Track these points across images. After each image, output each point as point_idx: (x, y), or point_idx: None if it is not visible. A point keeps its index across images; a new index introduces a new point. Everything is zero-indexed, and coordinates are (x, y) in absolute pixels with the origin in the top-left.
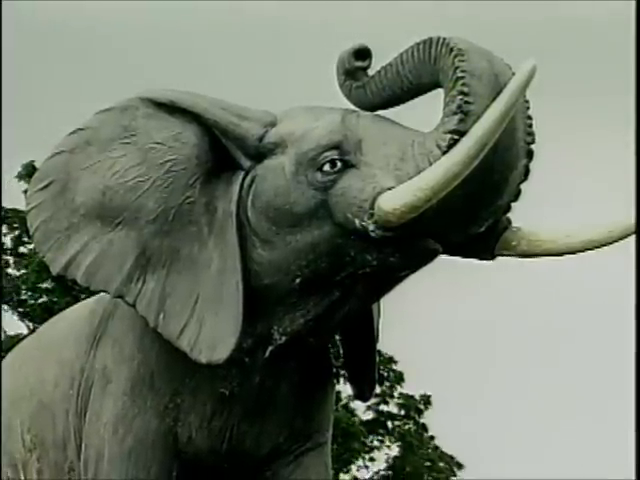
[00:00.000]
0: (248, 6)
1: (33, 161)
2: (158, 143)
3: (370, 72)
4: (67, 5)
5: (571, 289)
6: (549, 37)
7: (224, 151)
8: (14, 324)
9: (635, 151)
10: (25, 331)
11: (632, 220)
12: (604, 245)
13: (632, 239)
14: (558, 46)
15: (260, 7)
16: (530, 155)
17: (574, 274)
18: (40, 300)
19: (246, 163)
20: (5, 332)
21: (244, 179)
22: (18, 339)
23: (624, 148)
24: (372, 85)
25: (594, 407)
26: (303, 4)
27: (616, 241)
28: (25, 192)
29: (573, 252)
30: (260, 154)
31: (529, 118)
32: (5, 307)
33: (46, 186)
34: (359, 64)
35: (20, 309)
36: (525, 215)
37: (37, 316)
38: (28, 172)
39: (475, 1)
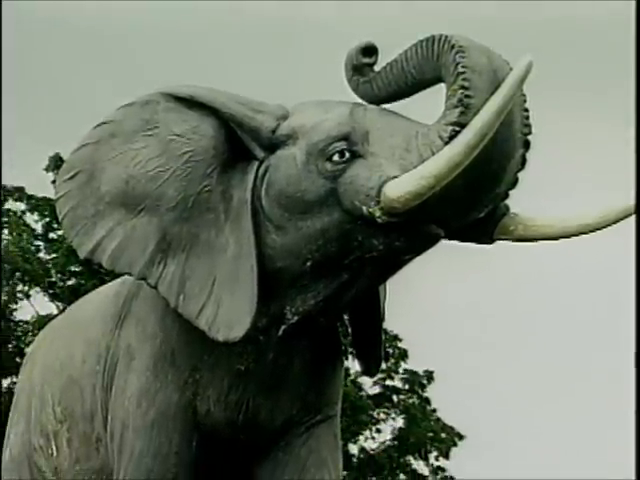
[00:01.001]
0: (248, 6)
1: (59, 153)
2: (178, 135)
3: (376, 68)
4: (89, 5)
5: (570, 271)
6: (549, 35)
7: (239, 142)
8: (45, 305)
9: (635, 140)
10: (55, 311)
11: (624, 205)
12: (598, 229)
13: (629, 223)
14: (558, 44)
15: (262, 6)
16: (527, 145)
17: (573, 256)
18: (69, 282)
19: (260, 154)
20: (37, 312)
21: (258, 169)
22: (49, 319)
23: (624, 139)
24: (378, 80)
25: (593, 386)
26: (306, 4)
27: (609, 225)
28: (53, 182)
29: (568, 236)
30: (273, 145)
31: (526, 110)
32: (37, 289)
33: (73, 176)
34: (366, 60)
35: (50, 291)
36: (523, 202)
37: (66, 297)
38: (55, 164)
39: (476, 1)
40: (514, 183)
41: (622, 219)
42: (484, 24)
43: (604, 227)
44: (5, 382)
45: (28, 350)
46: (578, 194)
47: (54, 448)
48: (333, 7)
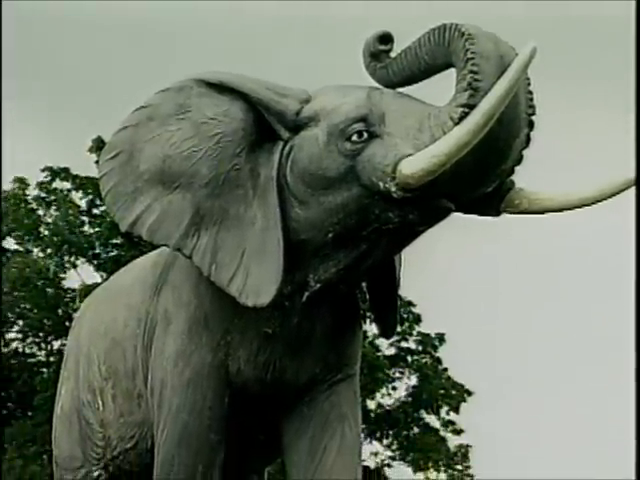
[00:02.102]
0: (248, 5)
1: (101, 136)
2: (209, 118)
3: (392, 55)
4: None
5: (577, 243)
6: (552, 32)
7: (266, 124)
8: (90, 274)
9: (635, 122)
10: (99, 280)
11: (622, 179)
12: (598, 201)
13: (628, 197)
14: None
15: (263, 6)
16: (531, 125)
17: (580, 229)
18: (111, 254)
19: (285, 134)
20: (83, 281)
21: (283, 148)
22: (93, 287)
23: (624, 121)
24: (393, 66)
25: (595, 352)
26: (334, 3)
27: (608, 198)
28: (96, 162)
29: (570, 208)
30: (297, 127)
31: (530, 93)
32: (82, 260)
33: (115, 156)
34: (382, 48)
35: (95, 261)
36: (528, 179)
37: (109, 267)
38: (98, 145)
39: (503, 1)
40: (519, 160)
41: (620, 192)
42: (510, 24)
43: (603, 200)
44: (56, 344)
45: (75, 315)
46: (579, 171)
47: (100, 403)
48: (360, 7)
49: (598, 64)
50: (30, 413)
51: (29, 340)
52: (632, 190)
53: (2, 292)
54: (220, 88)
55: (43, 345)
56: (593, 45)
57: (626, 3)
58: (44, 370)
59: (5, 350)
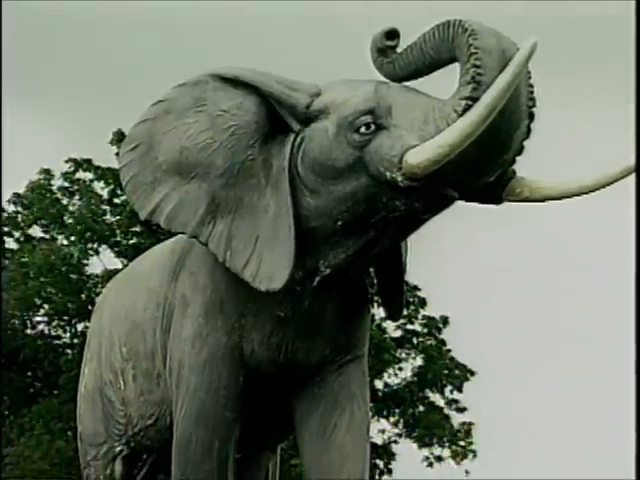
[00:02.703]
0: (247, 5)
1: (121, 129)
2: (224, 111)
3: (398, 50)
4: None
5: (578, 229)
6: (553, 32)
7: (278, 117)
8: (111, 261)
9: (635, 111)
10: (120, 266)
11: (618, 168)
12: (596, 189)
13: (628, 186)
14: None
15: (265, 5)
16: (532, 117)
17: (581, 216)
18: (131, 241)
19: (296, 127)
20: (105, 267)
21: (295, 140)
22: (114, 272)
23: (624, 111)
24: (400, 60)
25: (595, 332)
26: (319, 3)
27: (605, 186)
28: (117, 154)
29: (570, 196)
30: (308, 119)
31: (531, 86)
32: (104, 247)
33: (134, 148)
34: (389, 43)
35: (116, 248)
36: (529, 169)
37: (129, 254)
38: (118, 138)
39: (504, 1)
40: (520, 150)
41: (618, 180)
42: (510, 24)
43: (601, 188)
44: (79, 326)
45: (98, 299)
46: (579, 161)
47: (122, 382)
48: (360, 6)
49: (597, 61)
50: (56, 392)
51: (54, 323)
52: (632, 178)
53: (2, 289)
54: (234, 82)
55: (67, 328)
56: (593, 42)
57: (626, 3)
58: (68, 351)
59: (32, 332)
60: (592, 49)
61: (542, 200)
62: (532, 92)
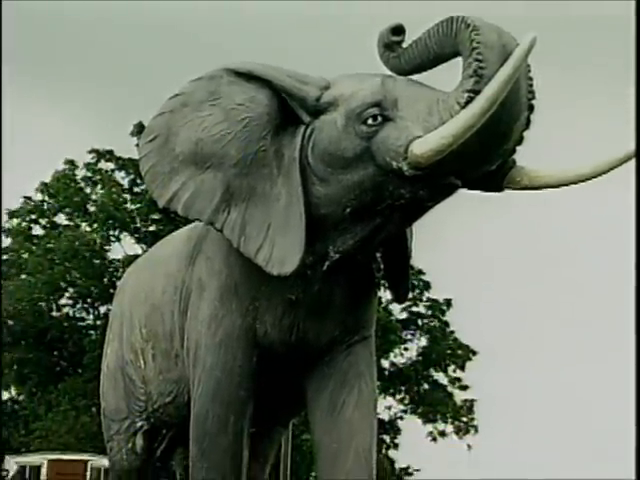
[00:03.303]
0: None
1: (141, 121)
2: (238, 104)
3: (403, 45)
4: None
5: (577, 217)
6: (552, 31)
7: (289, 109)
8: (131, 246)
9: (635, 99)
10: (140, 252)
11: (614, 157)
12: (593, 177)
13: (630, 175)
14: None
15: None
16: (531, 109)
17: (579, 203)
18: (150, 228)
19: (306, 119)
20: (125, 252)
21: (305, 131)
22: (135, 257)
23: (623, 101)
24: (405, 55)
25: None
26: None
27: (602, 174)
28: (137, 145)
29: (568, 184)
30: (317, 111)
31: (530, 79)
32: (125, 233)
33: (153, 139)
34: (395, 39)
35: (136, 235)
36: (531, 159)
37: (148, 240)
38: (138, 129)
39: (504, 1)
40: (520, 140)
41: (614, 169)
42: (511, 23)
43: (598, 176)
44: (102, 309)
45: (119, 283)
46: (577, 151)
47: (142, 362)
48: (364, 6)
49: (597, 56)
50: (80, 370)
51: (78, 306)
52: (631, 167)
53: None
54: (247, 77)
55: (91, 310)
56: (592, 39)
57: (626, 3)
58: (92, 332)
59: (57, 314)
60: (591, 45)
61: (541, 188)
62: (531, 85)
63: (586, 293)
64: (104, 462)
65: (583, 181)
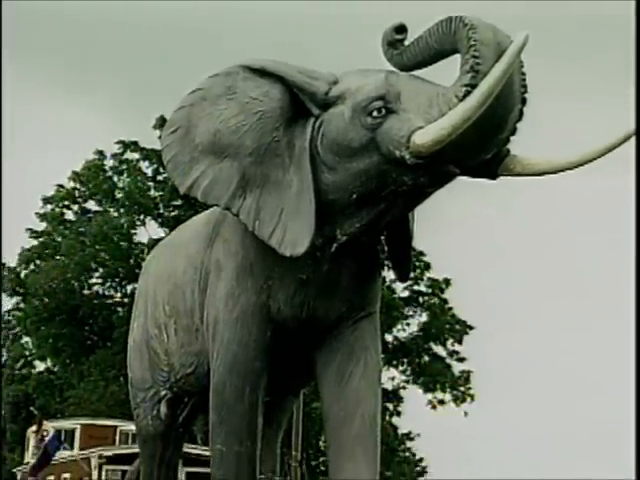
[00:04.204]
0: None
1: (164, 115)
2: (253, 98)
3: (406, 43)
4: None
5: (574, 201)
6: (552, 30)
7: (300, 103)
8: (155, 230)
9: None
10: (163, 235)
11: (601, 145)
12: (581, 165)
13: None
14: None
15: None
16: (524, 102)
17: (576, 188)
18: (172, 213)
19: (316, 111)
20: (150, 236)
21: (315, 123)
22: (158, 240)
23: (623, 96)
24: (408, 52)
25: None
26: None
27: (590, 162)
28: (160, 137)
29: (558, 171)
30: (326, 104)
31: (523, 74)
32: (149, 218)
33: (174, 131)
34: (398, 37)
35: (159, 220)
36: (523, 147)
37: (171, 224)
38: (161, 122)
39: (505, 1)
40: (514, 131)
41: (602, 156)
42: (511, 23)
43: (585, 163)
44: (129, 287)
45: (144, 264)
46: (568, 140)
47: (165, 336)
48: (364, 6)
49: (596, 56)
50: (109, 344)
51: (107, 285)
52: (633, 153)
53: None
54: (261, 73)
55: (119, 288)
56: (592, 36)
57: (626, 3)
58: (120, 309)
59: (88, 293)
60: (591, 41)
61: (533, 175)
62: (524, 80)
63: (579, 272)
64: (131, 427)
65: (571, 168)
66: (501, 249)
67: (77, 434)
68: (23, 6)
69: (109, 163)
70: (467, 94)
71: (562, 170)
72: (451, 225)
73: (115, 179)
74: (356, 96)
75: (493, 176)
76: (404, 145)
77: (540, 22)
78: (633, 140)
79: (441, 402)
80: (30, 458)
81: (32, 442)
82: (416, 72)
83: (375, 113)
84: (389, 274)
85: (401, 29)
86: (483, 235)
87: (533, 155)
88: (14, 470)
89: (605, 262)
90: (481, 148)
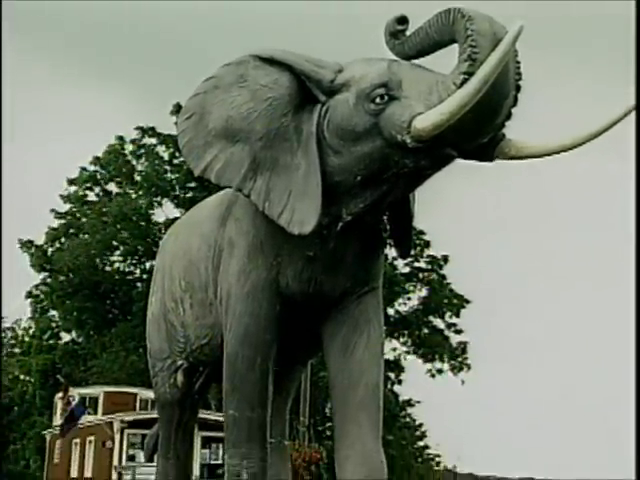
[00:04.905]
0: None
1: (179, 102)
2: (263, 86)
3: (407, 33)
4: None
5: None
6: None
7: (307, 90)
8: (171, 211)
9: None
10: (178, 215)
11: (590, 129)
12: (574, 147)
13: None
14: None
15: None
16: (518, 88)
17: (573, 170)
18: (188, 195)
19: (322, 98)
20: (166, 216)
21: (321, 109)
22: (174, 220)
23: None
24: (409, 42)
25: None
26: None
27: (581, 144)
28: (175, 123)
29: (550, 154)
30: (332, 92)
31: (518, 63)
32: (166, 199)
33: (189, 117)
34: (400, 28)
35: (175, 201)
36: (518, 132)
37: (186, 205)
38: (176, 109)
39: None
40: (509, 116)
41: (594, 138)
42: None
43: (577, 146)
44: (147, 264)
45: (161, 242)
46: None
47: (181, 310)
48: (365, 6)
49: (596, 56)
50: (129, 317)
51: (127, 262)
52: (633, 139)
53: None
54: (271, 62)
55: (138, 265)
56: (592, 33)
57: (626, 3)
58: (139, 285)
59: (109, 269)
60: (591, 43)
61: (527, 157)
62: (519, 68)
63: (571, 249)
64: (151, 394)
65: (565, 151)
66: (496, 228)
67: (100, 400)
68: (51, 5)
69: (129, 148)
70: (465, 81)
71: (554, 153)
72: (449, 206)
73: (134, 163)
74: (360, 84)
75: (489, 159)
76: (405, 130)
77: (536, 15)
78: (633, 126)
79: (439, 371)
80: (58, 421)
81: (59, 407)
82: (417, 61)
83: (378, 100)
84: (391, 251)
85: (403, 20)
86: (479, 215)
87: (527, 139)
88: (44, 432)
89: (598, 237)
90: (478, 132)
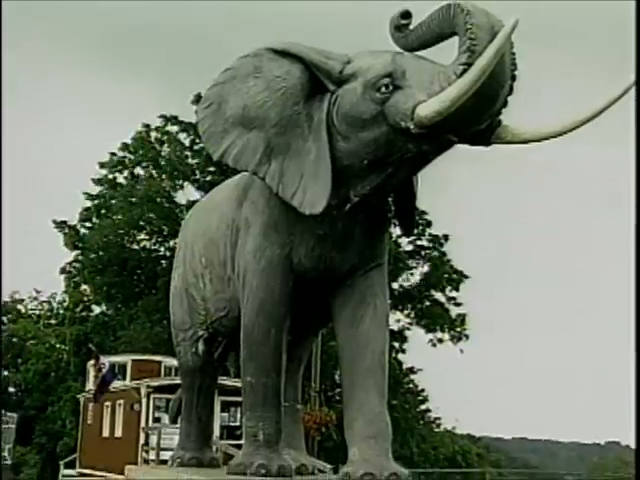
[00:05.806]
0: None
1: (200, 92)
2: (276, 76)
3: (410, 27)
4: None
5: (568, 167)
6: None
7: (318, 80)
8: (192, 193)
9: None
10: (199, 197)
11: (579, 116)
12: (565, 133)
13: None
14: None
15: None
16: (514, 78)
17: (570, 154)
18: (207, 178)
19: (332, 87)
20: (188, 198)
21: (331, 98)
22: (195, 202)
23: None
24: (412, 35)
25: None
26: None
27: (572, 130)
28: (196, 111)
29: (542, 139)
30: (341, 81)
31: (513, 54)
32: (187, 182)
33: (208, 106)
34: (404, 22)
35: (196, 184)
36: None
37: (206, 188)
38: (197, 99)
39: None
40: (505, 104)
41: (578, 127)
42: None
43: (566, 132)
44: (171, 242)
45: (183, 222)
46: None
47: (202, 284)
48: (365, 6)
49: (596, 55)
50: (154, 291)
51: (153, 240)
52: (633, 126)
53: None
54: (284, 54)
55: (162, 243)
56: (590, 30)
57: (626, 3)
58: (163, 261)
59: (136, 247)
60: (590, 34)
61: (522, 142)
62: (514, 59)
63: (564, 228)
64: (174, 362)
65: (555, 137)
66: (494, 209)
67: (128, 368)
68: (85, 4)
69: (153, 135)
70: (464, 71)
71: (548, 138)
72: (450, 188)
73: (158, 148)
74: (367, 74)
75: (487, 144)
76: (409, 117)
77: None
78: (633, 117)
79: (440, 341)
80: (91, 386)
81: (91, 373)
82: (419, 52)
83: (383, 89)
84: (395, 230)
85: (406, 15)
86: (478, 196)
87: (522, 125)
88: (78, 396)
89: (592, 217)
90: (477, 119)
